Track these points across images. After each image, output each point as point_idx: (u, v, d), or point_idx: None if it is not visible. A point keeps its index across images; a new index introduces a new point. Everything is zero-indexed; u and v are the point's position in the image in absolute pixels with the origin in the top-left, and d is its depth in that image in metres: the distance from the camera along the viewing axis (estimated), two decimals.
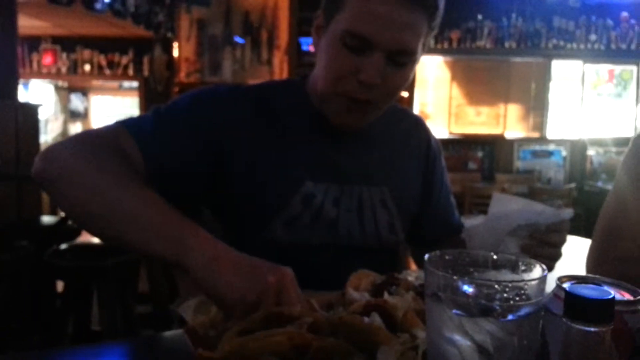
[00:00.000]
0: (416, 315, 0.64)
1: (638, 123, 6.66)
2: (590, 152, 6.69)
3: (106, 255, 2.27)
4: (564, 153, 6.67)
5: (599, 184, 6.43)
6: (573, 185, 5.77)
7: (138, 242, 0.78)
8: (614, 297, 0.39)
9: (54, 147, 0.87)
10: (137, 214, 0.78)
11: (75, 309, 2.43)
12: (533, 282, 0.45)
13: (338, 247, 1.01)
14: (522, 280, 0.44)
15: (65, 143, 0.88)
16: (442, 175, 1.22)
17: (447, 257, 0.54)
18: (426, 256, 0.51)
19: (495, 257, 0.54)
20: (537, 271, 0.50)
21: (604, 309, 0.39)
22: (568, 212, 0.92)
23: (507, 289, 0.45)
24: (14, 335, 2.43)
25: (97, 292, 2.27)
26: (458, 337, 0.47)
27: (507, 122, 6.45)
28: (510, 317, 0.45)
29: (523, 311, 0.45)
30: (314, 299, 0.75)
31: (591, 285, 0.39)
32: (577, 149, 6.67)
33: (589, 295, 0.37)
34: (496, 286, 0.46)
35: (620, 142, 6.66)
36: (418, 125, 1.21)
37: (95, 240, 2.25)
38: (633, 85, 6.56)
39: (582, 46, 6.16)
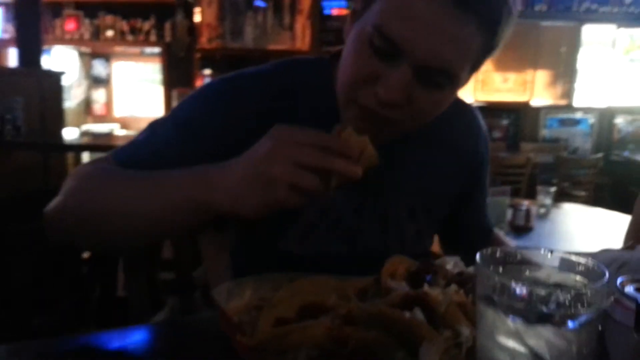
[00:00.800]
0: (458, 309, 0.62)
1: None
2: (618, 120, 6.52)
3: None
4: (591, 121, 6.50)
5: (626, 153, 6.29)
6: (600, 155, 5.64)
7: (159, 224, 0.77)
8: None
9: (53, 208, 0.82)
10: (141, 204, 0.76)
11: (101, 275, 2.48)
12: (596, 288, 0.42)
13: (357, 257, 0.90)
14: (585, 286, 0.42)
15: (66, 184, 0.83)
16: (484, 183, 1.10)
17: (498, 255, 0.51)
18: (477, 255, 0.49)
19: (549, 255, 0.51)
20: (597, 272, 0.47)
21: None
22: None
23: (568, 295, 0.42)
24: (41, 302, 2.49)
25: (122, 258, 2.30)
26: (512, 343, 0.44)
27: (534, 89, 6.29)
28: (569, 324, 0.42)
29: (583, 318, 0.42)
30: (347, 284, 0.73)
31: None
32: (605, 117, 6.50)
33: None
34: (556, 291, 0.43)
35: None
36: (472, 125, 1.03)
37: None
38: None
39: (615, 9, 5.92)
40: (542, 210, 2.85)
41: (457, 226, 1.09)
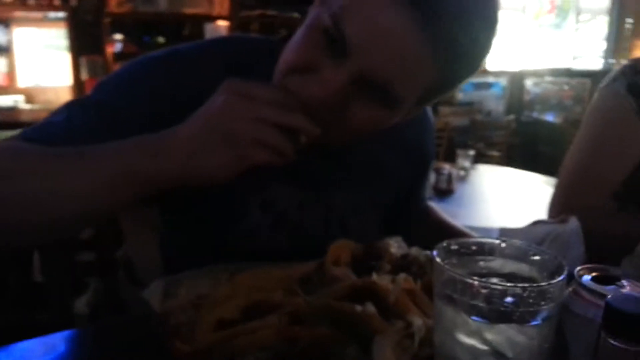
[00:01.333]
0: (408, 297, 0.61)
1: (575, 53, 6.83)
2: (528, 83, 6.85)
3: None
4: (503, 84, 6.79)
5: (535, 114, 6.65)
6: (512, 116, 5.92)
7: (103, 205, 0.67)
8: None
9: None
10: (69, 186, 0.64)
11: (15, 259, 2.30)
12: (556, 283, 0.42)
13: (300, 252, 0.81)
14: (548, 284, 0.41)
15: None
16: (428, 175, 1.09)
17: (452, 247, 0.50)
18: (434, 251, 0.47)
19: (503, 245, 0.50)
20: (550, 262, 0.46)
21: None
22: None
23: (529, 291, 0.42)
24: None
25: None
26: (473, 341, 0.43)
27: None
28: (531, 321, 0.42)
29: (545, 314, 0.42)
30: (290, 272, 0.71)
31: (632, 296, 0.36)
32: (516, 80, 6.80)
33: (633, 311, 0.34)
34: (517, 289, 0.42)
35: (557, 73, 6.85)
36: (419, 120, 1.00)
37: None
38: (572, 15, 6.66)
39: None
40: (462, 173, 2.95)
41: (398, 212, 1.06)
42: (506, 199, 2.65)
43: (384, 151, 0.94)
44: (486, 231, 1.92)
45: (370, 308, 0.58)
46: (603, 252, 0.83)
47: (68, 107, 0.77)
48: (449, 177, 2.52)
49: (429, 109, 1.02)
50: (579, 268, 0.45)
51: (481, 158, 5.60)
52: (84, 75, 4.99)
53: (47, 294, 2.08)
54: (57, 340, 0.68)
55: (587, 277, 0.44)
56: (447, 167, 2.66)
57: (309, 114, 0.67)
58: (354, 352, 0.57)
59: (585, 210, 1.05)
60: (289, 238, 0.87)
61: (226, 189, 0.73)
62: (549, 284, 0.41)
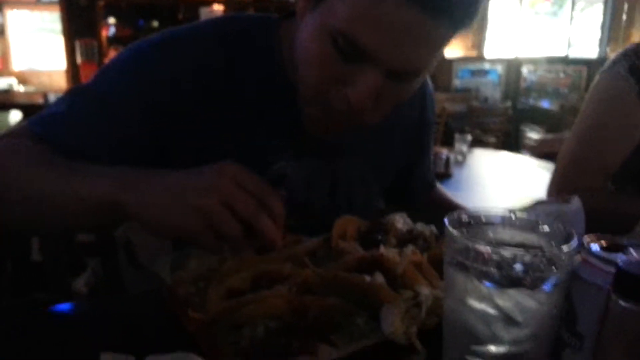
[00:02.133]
0: (415, 268, 0.62)
1: (571, 41, 6.83)
2: (524, 70, 6.86)
3: None
4: (500, 71, 6.79)
5: (531, 101, 6.67)
6: (508, 103, 5.93)
7: (64, 221, 0.72)
8: None
9: None
10: (48, 193, 0.67)
11: (13, 239, 2.30)
12: (567, 251, 0.42)
13: (310, 226, 0.84)
14: (553, 247, 0.42)
15: None
16: (430, 144, 1.10)
17: (464, 219, 0.50)
18: (446, 220, 0.48)
19: (512, 216, 0.51)
20: (560, 232, 0.47)
21: None
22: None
23: (540, 257, 0.42)
24: None
25: None
26: (484, 306, 0.44)
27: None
28: (542, 287, 0.43)
29: (554, 280, 0.42)
30: (297, 249, 0.71)
31: None
32: (513, 67, 6.81)
33: None
34: (529, 256, 0.43)
35: (553, 61, 6.86)
36: (421, 91, 1.00)
37: None
38: (568, 3, 6.66)
39: None
40: (460, 157, 2.96)
41: (403, 184, 1.08)
42: (502, 181, 2.68)
43: (387, 127, 0.95)
44: None
45: (379, 278, 0.59)
46: (602, 232, 0.84)
47: (71, 96, 0.79)
48: (447, 161, 2.53)
49: (428, 77, 1.02)
50: (587, 237, 0.46)
51: (477, 144, 5.62)
52: (79, 59, 4.95)
53: (45, 274, 2.08)
54: (75, 310, 0.69)
55: (595, 246, 0.45)
56: (444, 152, 2.67)
57: (351, 116, 0.72)
58: (363, 321, 0.58)
59: (585, 191, 1.07)
60: (297, 216, 0.87)
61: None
62: (559, 250, 0.42)
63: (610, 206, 1.06)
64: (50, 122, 0.77)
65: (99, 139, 0.76)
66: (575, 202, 0.92)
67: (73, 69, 4.94)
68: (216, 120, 0.81)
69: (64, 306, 0.70)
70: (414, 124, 1.02)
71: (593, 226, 0.92)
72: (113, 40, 4.89)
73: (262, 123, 0.83)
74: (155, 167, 0.70)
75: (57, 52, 5.13)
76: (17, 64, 5.30)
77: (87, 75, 4.62)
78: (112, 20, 4.98)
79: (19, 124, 0.78)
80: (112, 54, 4.67)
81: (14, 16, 5.24)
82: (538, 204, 1.04)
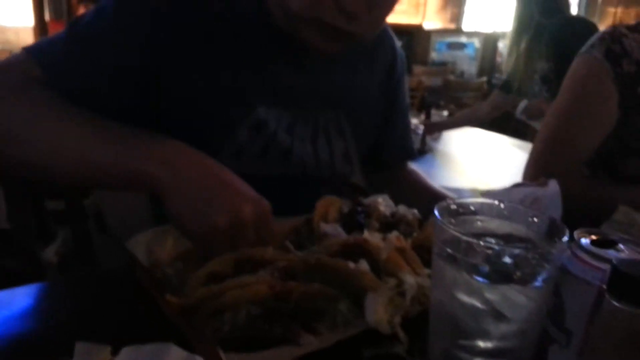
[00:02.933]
0: (399, 255, 0.61)
1: None
2: (500, 45, 6.86)
3: None
4: (477, 45, 6.78)
5: (506, 76, 6.69)
6: (484, 78, 5.95)
7: (97, 182, 0.71)
8: None
9: None
10: (84, 154, 0.67)
11: None
12: (559, 245, 0.42)
13: (290, 177, 0.90)
14: (551, 246, 0.41)
15: None
16: (404, 96, 1.12)
17: (452, 207, 0.49)
18: (435, 209, 0.47)
19: (502, 205, 0.50)
20: (547, 223, 0.47)
21: None
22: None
23: (533, 254, 0.42)
24: None
25: (2, 188, 2.08)
26: (473, 301, 0.44)
27: (426, 12, 6.38)
28: (532, 282, 0.42)
29: (545, 276, 0.42)
30: (280, 225, 0.70)
31: (638, 260, 0.37)
32: (489, 42, 6.80)
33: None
34: (521, 251, 0.42)
35: None
36: (384, 38, 1.05)
37: None
38: None
39: None
40: (435, 134, 2.96)
41: (379, 145, 1.09)
42: (478, 160, 2.69)
43: (359, 73, 0.99)
44: (459, 191, 1.95)
45: (364, 265, 0.58)
46: (577, 216, 0.85)
47: (70, 27, 0.79)
48: (423, 137, 2.53)
49: (393, 34, 1.09)
50: (577, 231, 0.46)
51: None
52: (47, 16, 4.76)
53: (14, 242, 2.03)
54: (31, 291, 0.67)
55: (585, 240, 0.45)
56: (421, 127, 2.66)
57: (347, 32, 0.76)
58: (346, 308, 0.57)
59: (561, 174, 1.07)
60: (279, 163, 0.89)
61: (212, 107, 0.82)
62: (552, 246, 0.41)
63: (586, 191, 1.07)
64: (53, 47, 0.78)
65: (99, 68, 0.77)
66: (552, 186, 0.92)
67: (41, 26, 4.75)
68: (207, 55, 0.82)
69: (36, 286, 0.67)
70: (386, 71, 1.05)
71: (570, 211, 0.94)
72: None
73: (246, 71, 0.85)
74: (145, 100, 0.79)
75: (24, 8, 4.92)
76: None
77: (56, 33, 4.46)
78: None
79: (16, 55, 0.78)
80: (81, 10, 4.49)
81: None
82: (514, 186, 1.04)
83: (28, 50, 0.77)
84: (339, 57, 0.93)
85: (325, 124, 0.94)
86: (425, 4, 6.32)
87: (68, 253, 2.37)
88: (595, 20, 6.77)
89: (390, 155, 1.13)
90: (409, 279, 0.58)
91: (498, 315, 0.43)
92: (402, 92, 1.11)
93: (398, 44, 1.09)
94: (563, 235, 0.43)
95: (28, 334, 0.58)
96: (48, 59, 0.76)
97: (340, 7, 0.72)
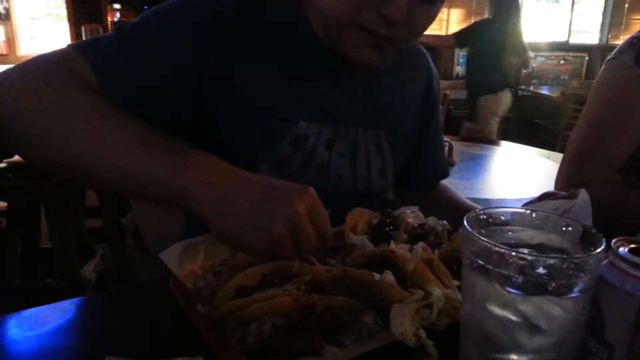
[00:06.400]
0: (426, 266, 0.60)
1: (572, 27, 6.78)
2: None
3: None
4: None
5: (531, 88, 6.62)
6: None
7: (131, 192, 0.68)
8: None
9: None
10: (122, 162, 0.64)
11: (22, 227, 2.26)
12: (596, 255, 0.40)
13: (327, 191, 0.88)
14: (587, 255, 0.40)
15: (11, 75, 0.70)
16: (438, 115, 1.12)
17: (481, 217, 0.48)
18: (465, 220, 0.45)
19: (533, 215, 0.49)
20: (580, 231, 0.45)
21: None
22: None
23: (569, 264, 0.40)
24: None
25: (44, 209, 2.12)
26: (506, 313, 0.42)
27: (449, 27, 6.38)
28: (568, 293, 0.40)
29: (582, 286, 0.40)
30: None
31: None
32: None
33: None
34: (556, 261, 0.41)
35: (554, 47, 6.80)
36: (420, 59, 1.06)
37: None
38: None
39: None
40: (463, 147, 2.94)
41: (412, 165, 1.09)
42: (505, 171, 2.66)
43: (399, 92, 1.00)
44: (487, 202, 1.92)
45: (389, 276, 0.57)
46: (610, 225, 0.82)
47: (117, 30, 0.79)
48: (450, 149, 2.50)
49: (429, 57, 1.10)
50: (615, 240, 0.44)
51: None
52: None
53: (54, 260, 2.06)
54: (68, 307, 0.67)
55: (624, 249, 0.43)
56: (448, 140, 2.64)
57: (386, 39, 0.78)
58: (371, 320, 0.56)
59: (594, 182, 1.05)
60: (318, 177, 0.90)
61: (255, 118, 0.83)
62: (588, 255, 0.40)
63: (619, 198, 1.04)
64: (101, 46, 0.77)
65: (151, 67, 0.77)
66: (582, 195, 0.90)
67: None
68: (253, 71, 0.83)
69: (73, 301, 0.68)
70: (423, 93, 1.06)
71: (600, 219, 0.91)
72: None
73: (290, 85, 0.86)
74: (192, 105, 0.79)
75: (62, 38, 5.06)
76: (23, 49, 5.24)
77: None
78: (117, 5, 4.92)
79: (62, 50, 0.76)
80: None
81: (20, 1, 5.17)
82: (544, 195, 1.02)
83: (76, 48, 0.75)
84: (379, 77, 0.95)
85: (365, 141, 0.94)
86: (448, 19, 6.32)
87: (106, 270, 2.40)
88: (620, 30, 6.68)
89: (424, 174, 1.13)
90: (437, 292, 0.56)
91: (533, 328, 0.42)
92: (437, 111, 1.11)
93: (434, 67, 1.09)
94: (599, 244, 0.41)
95: (63, 349, 0.58)
96: (98, 58, 0.75)
97: (381, 13, 0.74)
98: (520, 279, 0.40)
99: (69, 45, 0.76)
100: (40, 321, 0.63)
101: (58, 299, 0.67)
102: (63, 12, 5.01)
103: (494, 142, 3.49)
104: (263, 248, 0.59)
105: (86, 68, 0.73)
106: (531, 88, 6.61)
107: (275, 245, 0.59)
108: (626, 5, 6.72)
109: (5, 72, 0.71)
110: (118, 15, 4.90)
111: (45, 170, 0.74)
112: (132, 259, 2.56)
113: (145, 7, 4.92)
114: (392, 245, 0.63)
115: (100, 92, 0.72)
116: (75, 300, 0.68)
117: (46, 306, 0.65)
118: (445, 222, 0.74)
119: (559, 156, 2.12)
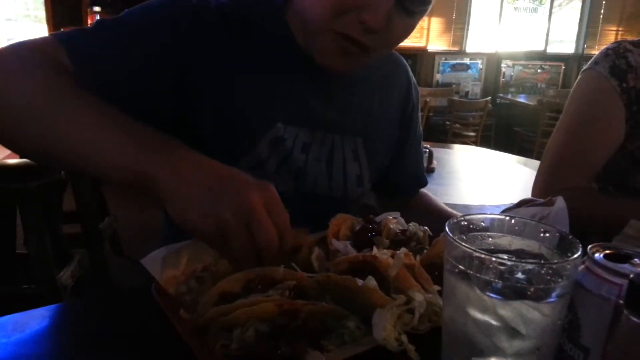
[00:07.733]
0: (408, 272, 0.60)
1: (549, 37, 6.91)
2: (503, 65, 6.92)
3: (29, 176, 2.01)
4: (480, 66, 6.83)
5: (509, 96, 6.74)
6: (488, 98, 5.98)
7: (96, 172, 0.66)
8: None
9: None
10: (90, 141, 0.64)
11: None
12: (573, 260, 0.41)
13: (302, 194, 0.91)
14: (564, 261, 0.41)
15: None
16: (417, 125, 1.13)
17: (462, 223, 0.49)
18: (446, 226, 0.46)
19: (512, 221, 0.50)
20: (558, 237, 0.46)
21: None
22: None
23: (548, 270, 0.41)
24: None
25: (21, 214, 2.07)
26: (487, 318, 0.43)
27: (429, 35, 6.46)
28: (546, 298, 0.42)
29: (559, 291, 0.41)
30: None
31: None
32: (493, 62, 6.86)
33: None
34: (535, 267, 0.42)
35: (531, 56, 6.93)
36: (399, 67, 1.07)
37: (12, 161, 2.03)
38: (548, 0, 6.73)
39: None
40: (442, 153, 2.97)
41: (390, 173, 1.09)
42: (482, 177, 2.70)
43: (377, 100, 1.00)
44: (466, 208, 1.94)
45: (372, 282, 0.57)
46: (587, 232, 0.84)
47: (97, 22, 0.81)
48: (430, 156, 2.53)
49: (408, 66, 1.11)
50: (591, 246, 0.46)
51: (457, 137, 5.68)
52: None
53: (31, 265, 2.02)
54: (45, 313, 0.66)
55: (599, 255, 0.44)
56: (428, 146, 2.67)
57: (363, 46, 0.78)
58: (354, 325, 0.57)
59: (570, 191, 1.07)
60: (293, 181, 0.90)
61: (235, 117, 0.84)
62: (565, 261, 0.41)
63: (597, 207, 1.06)
64: (82, 37, 0.78)
65: (123, 57, 0.77)
66: (559, 203, 0.92)
67: None
68: (234, 71, 0.84)
69: (51, 308, 0.67)
70: (402, 101, 1.06)
71: (576, 227, 0.93)
72: None
73: (270, 88, 0.87)
74: (171, 103, 0.80)
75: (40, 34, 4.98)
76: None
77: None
78: (97, 8, 4.88)
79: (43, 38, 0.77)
80: None
81: None
82: (522, 202, 1.04)
83: (55, 36, 0.76)
84: (359, 85, 0.96)
85: (342, 148, 0.95)
86: (428, 28, 6.40)
87: (83, 275, 2.37)
88: (595, 39, 6.84)
89: (402, 183, 1.14)
90: (419, 297, 0.57)
91: (512, 332, 0.42)
92: (416, 121, 1.12)
93: (413, 77, 1.10)
94: (576, 250, 0.42)
95: (40, 357, 0.57)
96: (76, 46, 0.75)
97: (361, 19, 0.74)
98: (499, 284, 0.41)
99: (49, 35, 0.77)
100: (17, 328, 0.62)
101: (34, 305, 0.66)
102: (42, 14, 4.95)
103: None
104: (209, 231, 0.57)
105: (63, 54, 0.73)
106: (509, 96, 6.73)
107: (222, 232, 0.57)
108: (601, 16, 6.88)
109: None
110: (98, 18, 4.86)
111: (23, 155, 0.73)
112: (110, 265, 2.53)
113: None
114: (375, 250, 0.64)
115: (76, 79, 0.71)
116: (52, 306, 0.67)
117: (22, 313, 0.64)
118: (426, 227, 0.75)
119: (536, 163, 2.16)
